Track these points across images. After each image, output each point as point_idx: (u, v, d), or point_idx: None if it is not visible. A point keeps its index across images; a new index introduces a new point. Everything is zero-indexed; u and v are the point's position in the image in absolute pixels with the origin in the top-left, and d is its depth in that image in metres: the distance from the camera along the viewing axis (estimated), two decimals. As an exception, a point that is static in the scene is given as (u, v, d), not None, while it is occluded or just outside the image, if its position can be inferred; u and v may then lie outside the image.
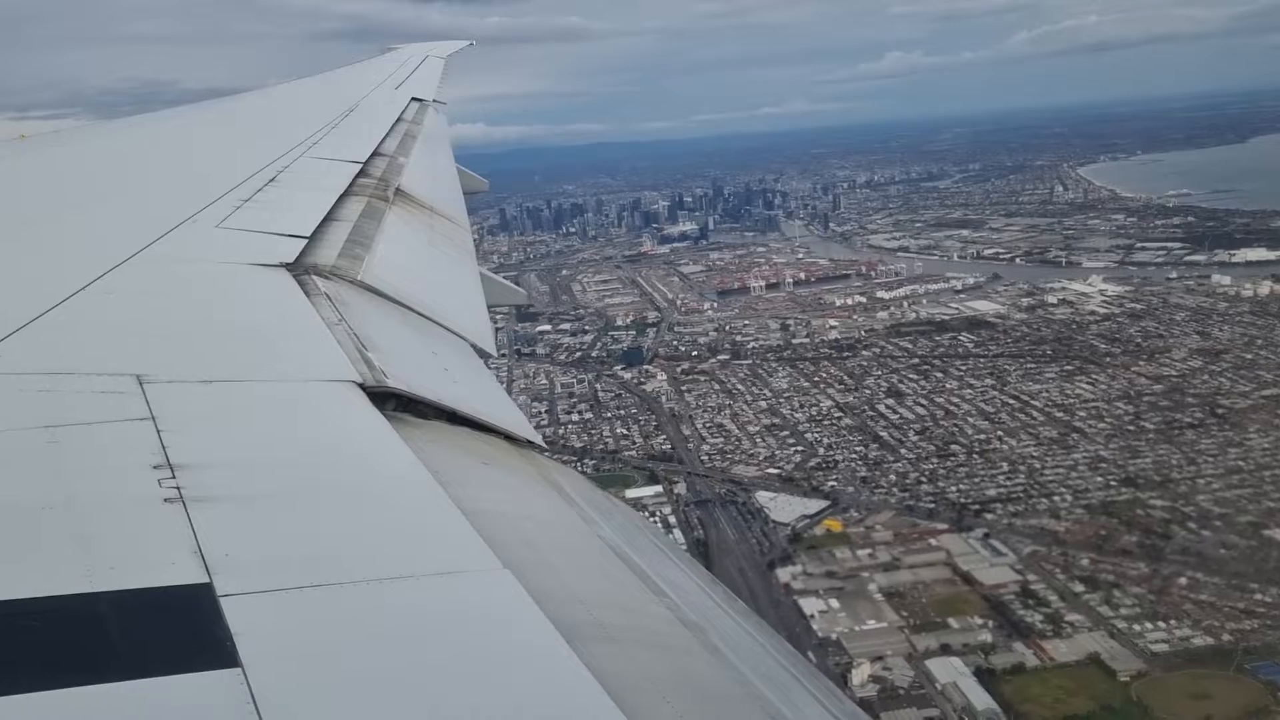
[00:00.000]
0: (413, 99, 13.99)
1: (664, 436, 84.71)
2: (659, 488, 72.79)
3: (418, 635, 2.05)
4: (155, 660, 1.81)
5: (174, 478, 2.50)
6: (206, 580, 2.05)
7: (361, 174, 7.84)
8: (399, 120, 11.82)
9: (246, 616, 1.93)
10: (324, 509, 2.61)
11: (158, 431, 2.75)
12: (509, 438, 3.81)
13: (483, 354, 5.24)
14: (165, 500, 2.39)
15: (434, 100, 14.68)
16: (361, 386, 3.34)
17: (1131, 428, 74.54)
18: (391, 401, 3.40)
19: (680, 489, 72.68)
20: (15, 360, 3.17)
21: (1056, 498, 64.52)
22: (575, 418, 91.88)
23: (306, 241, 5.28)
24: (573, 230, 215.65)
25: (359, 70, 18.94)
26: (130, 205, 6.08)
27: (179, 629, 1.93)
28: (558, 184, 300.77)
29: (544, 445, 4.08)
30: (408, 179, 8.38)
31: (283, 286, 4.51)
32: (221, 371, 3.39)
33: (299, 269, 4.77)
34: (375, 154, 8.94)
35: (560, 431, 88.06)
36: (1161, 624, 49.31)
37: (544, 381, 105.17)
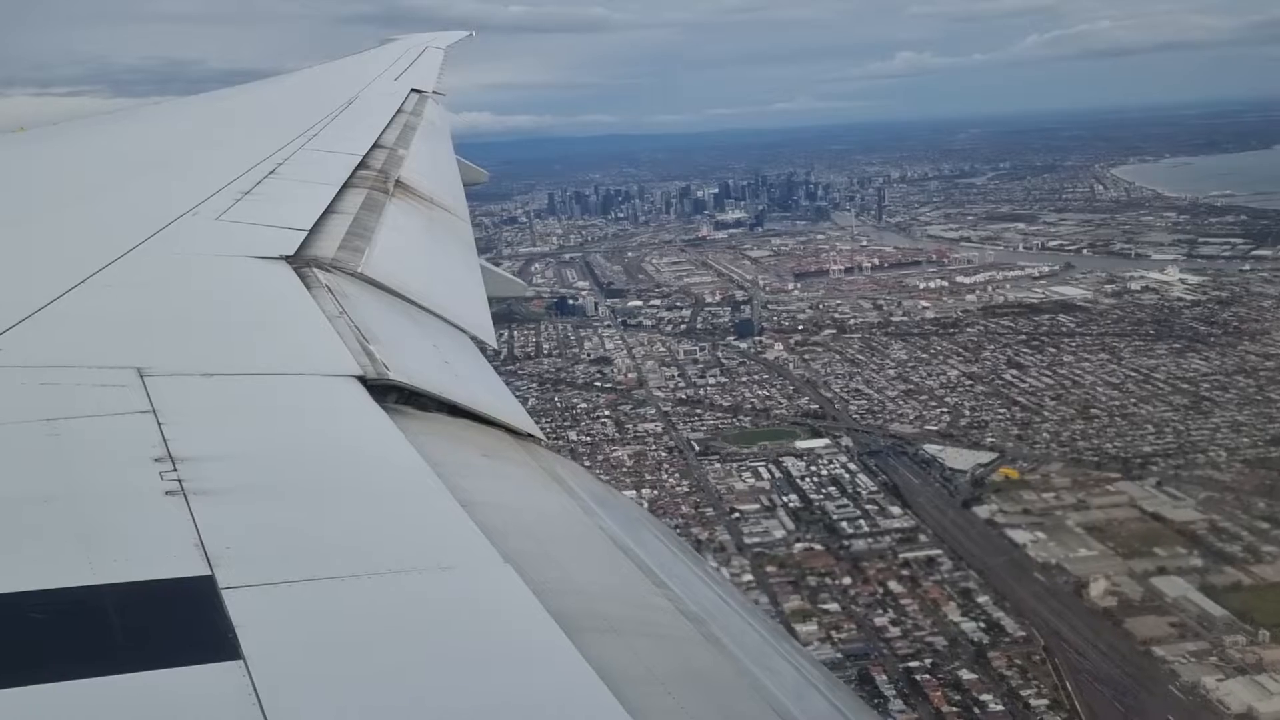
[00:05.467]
0: (412, 90, 14.08)
1: (806, 398, 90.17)
2: (826, 440, 78.38)
3: (418, 628, 2.07)
4: (157, 653, 1.83)
5: (175, 470, 2.51)
6: (208, 573, 2.07)
7: (361, 166, 7.88)
8: (398, 112, 11.93)
9: (248, 609, 1.95)
10: (325, 502, 2.63)
11: (159, 424, 2.77)
12: (510, 430, 3.88)
13: (483, 346, 5.26)
14: (167, 493, 2.40)
15: (433, 92, 14.80)
16: (363, 379, 3.38)
17: (1259, 398, 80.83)
18: (393, 394, 3.46)
19: (846, 442, 78.31)
20: (16, 354, 3.18)
21: (1211, 453, 70.67)
22: (710, 381, 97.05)
23: (307, 234, 5.31)
24: (622, 215, 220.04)
25: (358, 62, 19.13)
26: (130, 198, 6.10)
27: (181, 621, 1.95)
28: (582, 173, 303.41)
29: (543, 437, 4.17)
30: (408, 171, 8.40)
31: (283, 279, 4.55)
32: (223, 364, 3.41)
33: (299, 261, 4.83)
34: (375, 146, 9.02)
35: (701, 393, 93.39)
36: (1358, 552, 55.57)
37: (662, 349, 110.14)
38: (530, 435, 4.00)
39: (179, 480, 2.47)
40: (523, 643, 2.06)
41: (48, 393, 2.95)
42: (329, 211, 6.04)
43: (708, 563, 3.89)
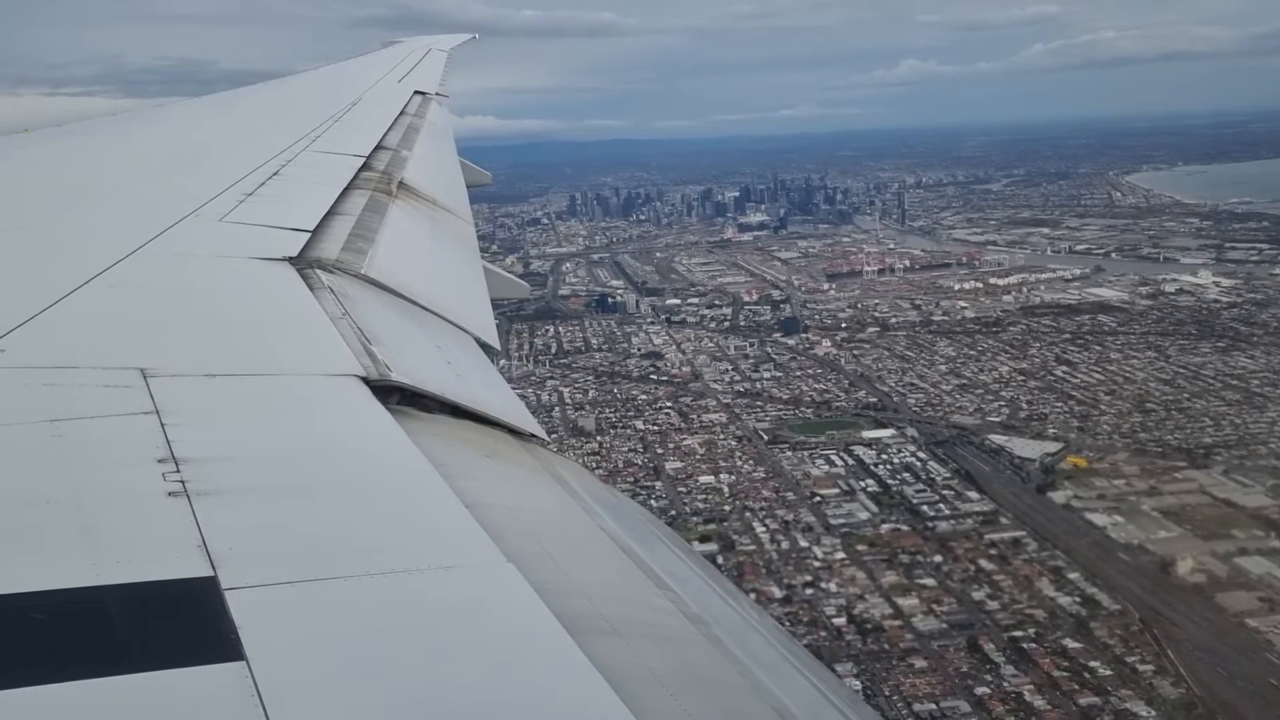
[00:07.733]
0: (415, 92, 14.11)
1: (863, 392, 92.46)
2: (892, 430, 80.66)
3: (421, 629, 2.08)
4: (160, 653, 1.83)
5: (178, 471, 2.52)
6: (211, 574, 2.07)
7: (365, 167, 7.89)
8: (402, 113, 12.01)
9: (251, 610, 1.96)
10: (328, 503, 2.65)
11: (162, 425, 2.78)
12: (512, 431, 3.93)
13: (487, 348, 5.29)
14: (169, 494, 2.41)
15: (436, 94, 14.86)
16: (365, 380, 3.41)
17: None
18: (395, 395, 3.50)
19: (911, 432, 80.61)
20: (19, 355, 3.19)
21: (1273, 444, 73.12)
22: (765, 375, 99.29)
23: (310, 235, 5.33)
24: (644, 217, 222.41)
25: (362, 63, 19.26)
26: (133, 199, 6.12)
27: (183, 622, 1.95)
28: (593, 176, 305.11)
29: (546, 438, 4.24)
30: (411, 172, 8.43)
31: (286, 280, 4.57)
32: (225, 365, 3.44)
33: (303, 263, 4.85)
34: (378, 147, 9.04)
35: (758, 386, 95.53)
36: None
37: (710, 345, 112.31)
38: (533, 436, 4.07)
39: (182, 481, 2.49)
40: (526, 643, 2.08)
41: (51, 393, 2.98)
42: (332, 213, 6.10)
43: (710, 564, 4.14)
